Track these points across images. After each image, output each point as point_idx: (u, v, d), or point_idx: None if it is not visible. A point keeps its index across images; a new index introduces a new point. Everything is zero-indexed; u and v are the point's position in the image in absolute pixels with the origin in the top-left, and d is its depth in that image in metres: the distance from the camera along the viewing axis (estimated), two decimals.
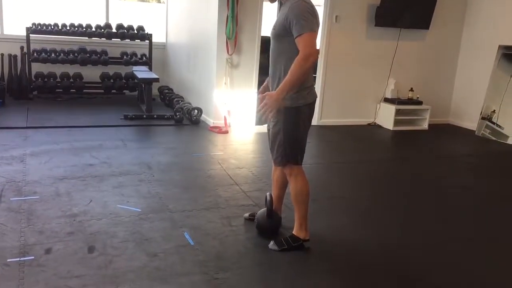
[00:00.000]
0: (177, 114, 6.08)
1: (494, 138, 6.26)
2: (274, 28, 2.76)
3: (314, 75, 2.75)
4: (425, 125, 6.76)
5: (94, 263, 2.58)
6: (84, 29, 7.19)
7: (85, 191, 3.57)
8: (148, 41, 7.51)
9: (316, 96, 2.87)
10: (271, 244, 2.88)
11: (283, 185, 3.09)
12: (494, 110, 6.33)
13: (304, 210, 2.88)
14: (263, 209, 3.06)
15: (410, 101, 6.70)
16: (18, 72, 6.95)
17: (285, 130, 2.76)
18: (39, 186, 3.61)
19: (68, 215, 3.14)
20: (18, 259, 2.57)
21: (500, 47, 6.36)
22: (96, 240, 2.83)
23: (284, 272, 2.70)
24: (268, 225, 3.04)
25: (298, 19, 2.57)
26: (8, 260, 2.55)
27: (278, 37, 2.74)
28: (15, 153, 4.37)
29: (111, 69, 7.39)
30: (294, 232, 2.91)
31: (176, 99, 6.68)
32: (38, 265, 2.53)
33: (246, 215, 3.29)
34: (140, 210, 3.31)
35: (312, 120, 2.95)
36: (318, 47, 6.27)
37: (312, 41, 2.59)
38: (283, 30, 2.67)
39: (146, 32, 7.53)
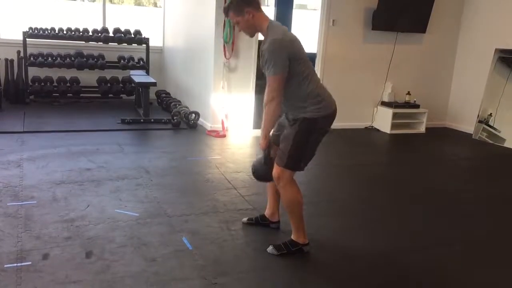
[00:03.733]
0: (175, 118, 6.07)
1: (491, 141, 6.28)
2: (262, 67, 2.79)
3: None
4: (422, 129, 6.78)
5: (91, 268, 2.57)
6: (81, 33, 7.18)
7: (82, 196, 3.56)
8: (145, 45, 7.50)
9: (335, 104, 2.84)
10: (270, 249, 2.87)
11: (276, 189, 3.07)
12: (491, 113, 6.35)
13: (297, 218, 2.87)
14: (260, 156, 3.00)
15: (407, 105, 6.71)
16: (15, 77, 6.93)
17: (296, 137, 2.73)
18: (36, 191, 3.60)
19: (65, 220, 3.13)
20: (15, 264, 2.55)
21: (496, 50, 6.38)
22: (94, 245, 2.81)
23: (283, 276, 2.69)
24: (265, 171, 2.95)
25: (267, 61, 2.66)
26: (5, 265, 2.54)
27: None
28: (12, 157, 4.35)
29: (108, 73, 7.38)
30: (292, 237, 2.90)
31: (173, 103, 6.67)
32: (35, 270, 2.51)
33: (245, 219, 3.28)
34: (138, 214, 3.29)
35: None
36: (315, 51, 6.36)
37: (275, 85, 2.66)
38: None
39: (143, 36, 7.53)
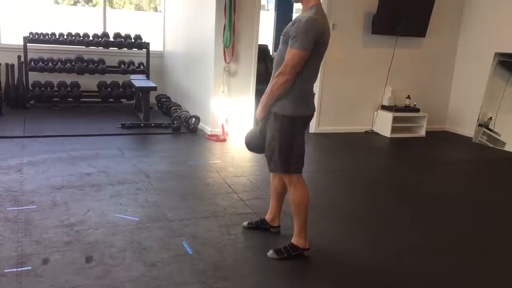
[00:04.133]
0: (175, 122, 6.08)
1: (491, 145, 6.28)
2: (284, 35, 2.75)
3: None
4: (422, 132, 6.78)
5: (92, 273, 2.56)
6: (81, 38, 7.20)
7: (82, 201, 3.55)
8: (145, 49, 7.52)
9: (314, 110, 2.88)
10: (270, 253, 2.87)
11: (281, 195, 3.09)
12: (491, 117, 6.35)
13: (303, 220, 2.87)
14: (251, 128, 3.00)
15: (407, 109, 6.72)
16: (15, 81, 6.94)
17: (281, 138, 2.75)
18: (36, 195, 3.59)
19: (65, 224, 3.12)
20: (15, 269, 2.55)
21: (496, 54, 6.39)
22: (94, 250, 2.81)
23: (283, 281, 2.69)
24: (259, 142, 2.96)
25: (297, 32, 2.61)
26: (5, 270, 2.53)
27: (286, 43, 2.72)
28: (12, 162, 4.35)
29: (108, 78, 7.39)
30: (293, 241, 2.90)
31: (173, 107, 6.67)
32: (36, 275, 2.51)
33: (245, 224, 3.27)
34: (138, 219, 3.29)
35: (310, 128, 2.96)
36: None
37: (294, 60, 2.63)
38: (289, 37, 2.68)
39: (143, 40, 7.55)
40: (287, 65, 2.65)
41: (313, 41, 2.62)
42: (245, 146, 3.12)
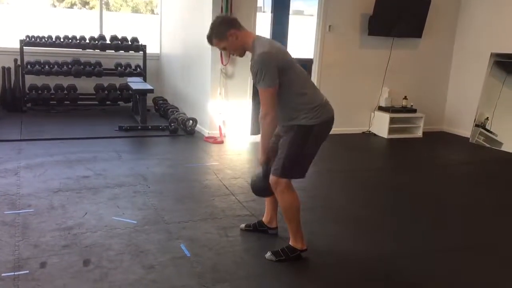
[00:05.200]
0: (172, 124, 6.07)
1: (488, 145, 6.29)
2: (254, 82, 2.76)
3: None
4: (419, 133, 6.79)
5: (89, 276, 2.56)
6: (78, 41, 7.19)
7: (80, 204, 3.55)
8: (142, 52, 7.52)
9: (332, 112, 2.81)
10: (268, 255, 2.87)
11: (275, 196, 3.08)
12: (488, 117, 6.37)
13: (295, 225, 2.86)
14: (258, 171, 2.97)
15: (404, 109, 6.73)
16: (12, 85, 6.93)
17: (291, 145, 2.72)
18: (33, 199, 3.59)
19: (63, 228, 3.12)
20: (13, 273, 2.54)
21: (492, 54, 6.41)
22: (92, 253, 2.80)
23: (282, 283, 2.68)
24: (264, 186, 2.92)
25: (257, 75, 2.64)
26: (2, 274, 2.52)
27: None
28: (9, 166, 4.34)
29: (105, 81, 7.38)
30: (290, 243, 2.89)
31: (170, 109, 6.67)
32: (33, 279, 2.50)
33: (243, 226, 3.27)
34: (135, 222, 3.29)
35: None
36: (312, 57, 6.38)
37: (267, 98, 2.66)
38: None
39: (140, 43, 7.55)
40: (263, 105, 2.68)
41: (275, 72, 2.62)
42: (251, 188, 3.08)
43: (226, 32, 2.73)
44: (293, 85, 2.71)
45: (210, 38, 2.82)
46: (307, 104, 2.72)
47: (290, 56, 2.80)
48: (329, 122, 2.79)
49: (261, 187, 2.96)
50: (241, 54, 2.85)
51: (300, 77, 2.77)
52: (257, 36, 2.79)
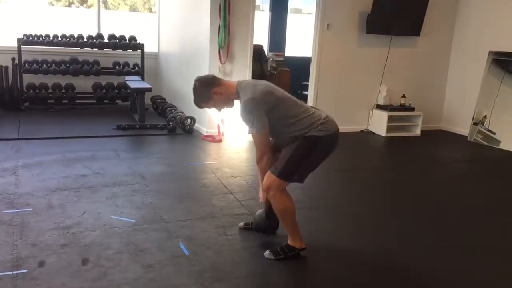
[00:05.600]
0: (170, 123, 6.07)
1: (486, 143, 6.30)
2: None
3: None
4: (417, 131, 6.80)
5: (88, 275, 2.55)
6: (75, 40, 7.17)
7: (78, 203, 3.54)
8: (140, 50, 7.50)
9: (336, 127, 2.81)
10: (267, 254, 2.87)
11: None
12: (486, 116, 6.38)
13: (291, 225, 2.85)
14: (261, 210, 3.05)
15: (402, 108, 6.74)
16: (10, 84, 6.91)
17: (296, 149, 2.71)
18: (31, 198, 3.58)
19: (61, 227, 3.11)
20: (11, 272, 2.53)
21: (490, 52, 6.41)
22: (90, 252, 2.80)
23: (281, 281, 2.69)
24: (266, 223, 3.04)
25: (246, 122, 2.73)
26: (1, 273, 2.52)
27: None
28: (7, 165, 4.33)
29: (103, 79, 7.36)
30: (289, 242, 2.89)
31: (169, 108, 6.67)
32: (32, 278, 2.50)
33: (241, 224, 3.27)
34: (134, 221, 3.28)
35: None
36: (310, 55, 6.38)
37: (260, 142, 2.76)
38: None
39: (138, 41, 7.53)
40: (258, 149, 2.79)
41: (263, 115, 2.67)
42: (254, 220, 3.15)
43: (209, 92, 2.82)
44: (286, 117, 2.73)
45: (197, 103, 2.92)
46: (306, 126, 2.71)
47: (275, 89, 2.80)
48: (335, 135, 2.79)
49: (265, 226, 3.06)
50: (231, 106, 2.93)
51: (291, 108, 2.76)
52: (238, 82, 2.84)
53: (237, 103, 2.86)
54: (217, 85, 2.83)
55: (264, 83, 2.82)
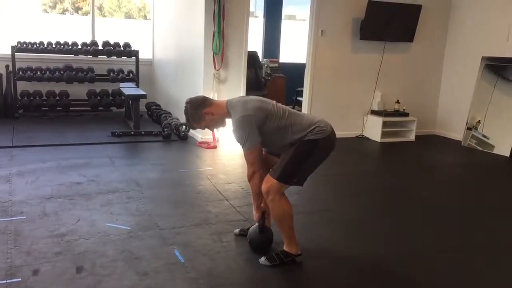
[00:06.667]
0: (165, 130, 6.06)
1: (480, 148, 6.33)
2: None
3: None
4: (412, 137, 6.82)
5: (83, 283, 2.54)
6: (70, 47, 7.16)
7: (72, 210, 3.53)
8: (134, 57, 7.50)
9: (331, 128, 2.82)
10: (263, 260, 2.86)
11: None
12: (479, 121, 6.41)
13: (288, 230, 2.85)
14: (255, 225, 3.04)
15: (396, 113, 6.76)
16: (4, 91, 6.89)
17: (295, 152, 2.72)
18: (25, 206, 3.56)
19: (55, 235, 3.10)
20: (5, 281, 2.52)
21: (483, 58, 6.46)
22: (85, 260, 2.78)
23: (276, 287, 2.68)
24: (261, 241, 3.01)
25: (239, 140, 2.76)
26: None
27: None
28: (1, 172, 4.31)
29: (97, 86, 7.35)
30: (285, 248, 2.89)
31: (163, 115, 6.66)
32: (26, 287, 2.48)
33: (237, 230, 3.27)
34: (129, 228, 3.27)
35: None
36: (304, 61, 6.40)
37: (252, 158, 2.77)
38: None
39: (132, 48, 7.53)
40: (250, 165, 2.79)
41: (256, 131, 2.71)
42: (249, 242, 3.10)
43: (201, 113, 2.86)
44: (279, 128, 2.75)
45: (190, 124, 2.99)
46: (302, 130, 2.73)
47: (266, 103, 2.83)
48: (332, 135, 2.80)
49: (259, 243, 3.02)
50: (224, 124, 2.98)
51: (283, 119, 2.77)
52: (228, 101, 2.87)
53: (229, 122, 2.89)
54: (208, 105, 2.87)
55: (253, 99, 2.86)
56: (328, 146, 2.80)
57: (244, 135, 2.72)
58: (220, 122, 2.95)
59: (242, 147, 2.78)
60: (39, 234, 3.09)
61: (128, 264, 2.77)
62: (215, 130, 5.77)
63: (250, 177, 2.83)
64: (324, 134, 2.74)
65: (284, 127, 2.76)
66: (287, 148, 2.76)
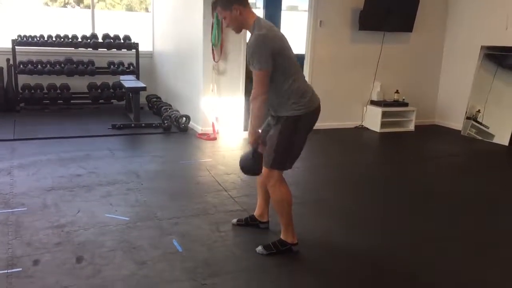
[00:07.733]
0: (165, 122, 6.09)
1: (480, 138, 6.34)
2: (248, 61, 2.80)
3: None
4: (411, 127, 6.83)
5: (82, 273, 2.59)
6: (70, 40, 7.18)
7: (72, 202, 3.57)
8: (135, 50, 7.52)
9: (318, 101, 2.86)
10: (259, 249, 2.90)
11: (268, 191, 3.11)
12: (479, 110, 6.42)
13: (287, 218, 2.89)
14: (248, 150, 3.01)
15: (396, 103, 6.77)
16: (5, 85, 6.93)
17: (280, 136, 2.76)
18: (26, 197, 3.61)
19: (55, 226, 3.14)
20: (6, 271, 2.56)
21: (482, 47, 6.45)
22: (84, 250, 2.83)
23: (273, 276, 2.72)
24: (253, 164, 2.96)
25: (251, 56, 2.69)
26: None
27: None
28: (2, 165, 4.35)
29: (98, 79, 7.38)
30: (281, 236, 2.93)
31: (164, 107, 6.69)
32: (26, 276, 2.53)
33: (234, 221, 3.30)
34: (128, 218, 3.31)
35: None
36: (303, 52, 6.40)
37: (260, 80, 2.70)
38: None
39: (132, 41, 7.54)
40: (255, 87, 2.72)
41: (269, 55, 2.67)
42: (240, 168, 3.09)
43: (233, 4, 2.76)
44: (285, 72, 2.74)
45: (215, 4, 2.85)
46: (296, 91, 2.76)
47: (287, 44, 2.82)
48: (316, 112, 2.84)
49: (249, 165, 2.99)
50: (238, 30, 2.89)
51: (292, 66, 2.80)
52: (258, 17, 2.82)
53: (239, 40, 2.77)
54: (243, 5, 2.79)
55: (280, 32, 2.84)
56: (311, 120, 2.84)
57: (256, 53, 2.66)
58: (239, 25, 2.83)
59: (251, 65, 2.71)
60: (39, 225, 3.13)
61: (127, 253, 2.81)
62: (215, 123, 5.85)
63: (254, 98, 2.73)
64: (309, 109, 2.78)
65: (290, 73, 2.75)
66: (277, 107, 2.77)
